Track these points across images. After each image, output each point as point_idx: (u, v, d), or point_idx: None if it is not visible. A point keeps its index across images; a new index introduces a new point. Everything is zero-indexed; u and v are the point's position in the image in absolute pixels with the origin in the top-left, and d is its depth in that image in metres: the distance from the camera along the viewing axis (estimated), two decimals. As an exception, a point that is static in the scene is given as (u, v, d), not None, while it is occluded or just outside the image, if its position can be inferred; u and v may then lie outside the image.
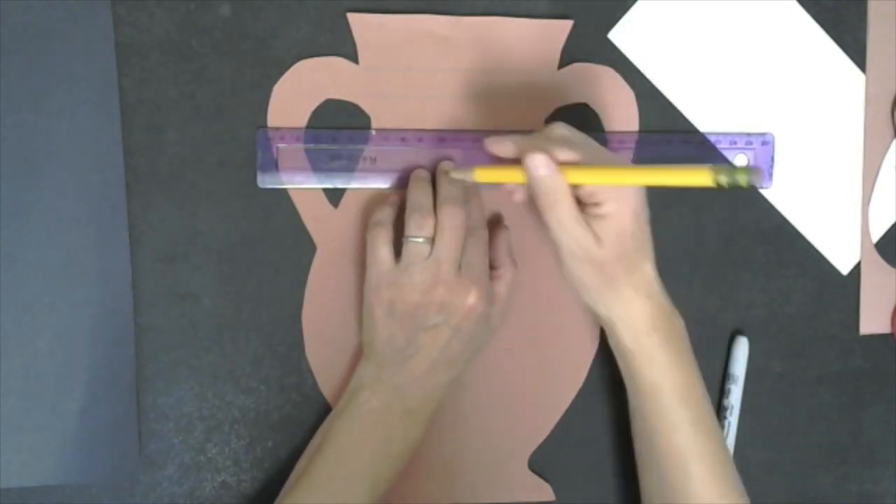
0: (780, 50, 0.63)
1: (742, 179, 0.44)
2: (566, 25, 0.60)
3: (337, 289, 0.60)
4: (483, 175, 0.56)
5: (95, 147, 0.57)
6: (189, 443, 0.60)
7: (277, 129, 0.59)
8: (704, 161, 0.62)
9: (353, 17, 0.59)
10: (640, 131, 0.62)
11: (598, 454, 0.64)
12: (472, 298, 0.55)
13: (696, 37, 0.62)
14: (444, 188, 0.57)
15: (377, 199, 0.60)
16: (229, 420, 0.60)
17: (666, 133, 0.62)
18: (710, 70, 0.63)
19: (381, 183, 0.60)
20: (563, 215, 0.52)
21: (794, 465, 0.66)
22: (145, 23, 0.57)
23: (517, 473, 0.63)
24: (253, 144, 0.59)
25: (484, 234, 0.57)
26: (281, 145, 0.59)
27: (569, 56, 0.61)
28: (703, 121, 0.63)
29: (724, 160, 0.63)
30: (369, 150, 0.59)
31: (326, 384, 0.60)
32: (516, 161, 0.53)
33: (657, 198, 0.63)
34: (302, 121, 0.59)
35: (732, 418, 0.64)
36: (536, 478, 0.63)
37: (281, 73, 0.58)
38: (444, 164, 0.59)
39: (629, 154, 0.62)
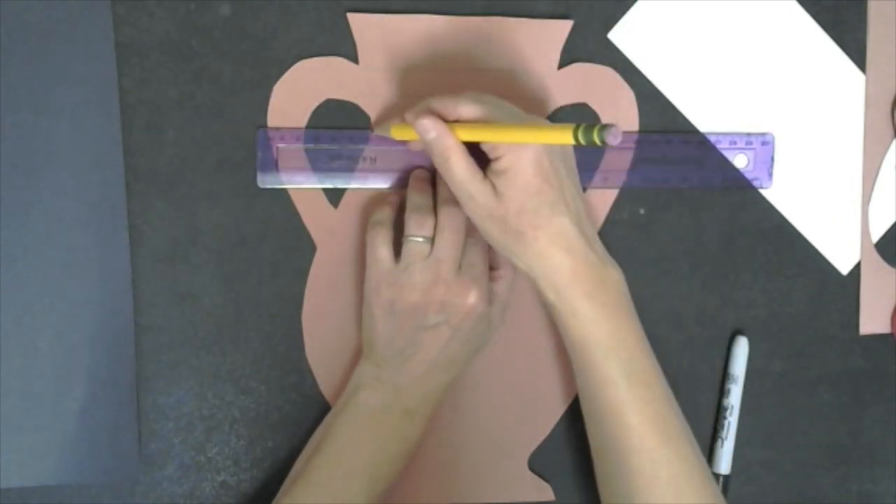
0: (780, 50, 0.63)
1: (597, 138, 0.44)
2: (566, 25, 0.60)
3: (337, 289, 0.60)
4: (399, 132, 0.56)
5: (95, 147, 0.57)
6: (189, 443, 0.60)
7: (277, 129, 0.59)
8: (705, 162, 0.62)
9: (353, 17, 0.59)
10: (640, 131, 0.62)
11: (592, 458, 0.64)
12: (472, 298, 0.55)
13: (696, 37, 0.62)
14: (445, 188, 0.57)
15: (377, 199, 0.60)
16: (229, 420, 0.60)
17: (666, 133, 0.62)
18: (710, 70, 0.63)
19: (381, 183, 0.60)
20: (456, 171, 0.52)
21: (794, 465, 0.66)
22: (145, 23, 0.57)
23: (517, 473, 0.63)
24: (253, 144, 0.59)
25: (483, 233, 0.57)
26: (281, 145, 0.59)
27: (569, 56, 0.61)
28: (703, 121, 0.63)
29: (724, 160, 0.63)
30: (369, 150, 0.59)
31: (326, 384, 0.60)
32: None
33: (657, 197, 0.63)
34: (302, 121, 0.59)
35: (732, 418, 0.64)
36: (536, 478, 0.63)
37: (281, 73, 0.58)
38: None
39: (629, 154, 0.62)
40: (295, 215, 0.59)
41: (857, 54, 0.64)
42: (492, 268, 0.58)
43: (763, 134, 0.63)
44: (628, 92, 0.61)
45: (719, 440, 0.64)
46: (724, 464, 0.64)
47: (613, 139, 0.44)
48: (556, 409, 0.63)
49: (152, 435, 0.59)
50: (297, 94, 0.59)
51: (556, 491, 0.63)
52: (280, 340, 0.60)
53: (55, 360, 0.58)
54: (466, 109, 0.52)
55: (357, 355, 0.59)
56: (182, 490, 0.60)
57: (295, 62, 0.59)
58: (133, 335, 0.58)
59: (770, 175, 0.63)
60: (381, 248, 0.56)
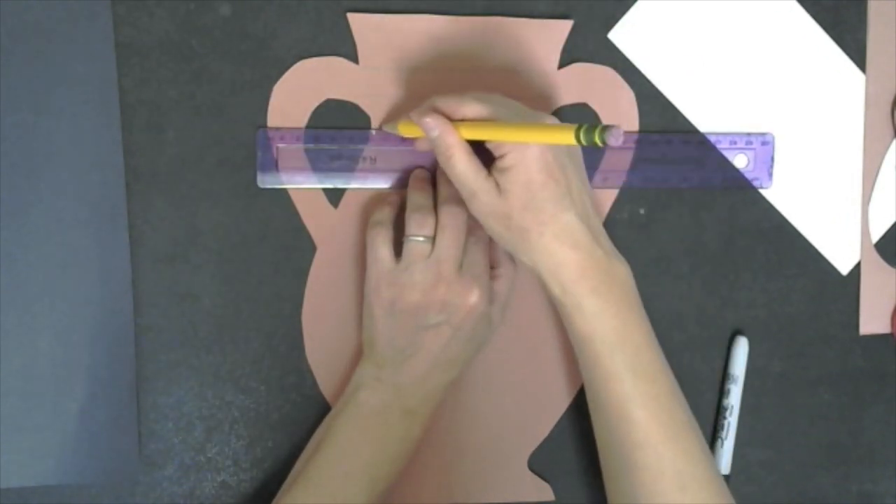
0: (780, 50, 0.63)
1: (598, 139, 0.44)
2: (566, 25, 0.60)
3: (337, 289, 0.60)
4: (406, 129, 0.56)
5: (95, 147, 0.57)
6: (189, 443, 0.60)
7: (277, 129, 0.59)
8: (705, 162, 0.62)
9: (353, 17, 0.59)
10: (640, 131, 0.62)
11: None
12: (473, 298, 0.55)
13: (696, 37, 0.62)
14: (445, 188, 0.57)
15: (377, 198, 0.60)
16: (229, 420, 0.60)
17: (666, 133, 0.62)
18: (710, 70, 0.63)
19: (381, 183, 0.60)
20: (459, 169, 0.53)
21: (794, 465, 0.66)
22: (145, 23, 0.57)
23: (517, 473, 0.63)
24: (253, 144, 0.59)
25: (484, 233, 0.57)
26: (281, 145, 0.59)
27: (569, 56, 0.61)
28: (703, 121, 0.63)
29: (724, 160, 0.63)
30: (369, 150, 0.59)
31: (326, 384, 0.60)
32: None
33: (657, 197, 0.63)
34: (302, 121, 0.59)
35: (732, 418, 0.64)
36: (536, 478, 0.63)
37: (281, 73, 0.58)
38: None
39: (629, 154, 0.62)
40: (295, 215, 0.59)
41: (857, 54, 0.64)
42: (492, 266, 0.58)
43: (763, 134, 0.63)
44: (628, 92, 0.61)
45: (719, 440, 0.64)
46: (724, 464, 0.64)
47: (615, 140, 0.44)
48: (556, 409, 0.63)
49: (152, 435, 0.59)
50: (297, 94, 0.59)
51: (556, 491, 0.63)
52: (280, 340, 0.60)
53: (55, 360, 0.58)
54: (470, 108, 0.53)
55: (357, 355, 0.59)
56: (182, 490, 0.60)
57: (295, 62, 0.59)
58: (133, 335, 0.58)
59: (770, 175, 0.63)
60: (381, 248, 0.56)
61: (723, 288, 0.64)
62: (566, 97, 0.61)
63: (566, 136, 0.46)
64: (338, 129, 0.59)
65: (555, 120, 0.54)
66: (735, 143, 0.63)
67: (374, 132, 0.59)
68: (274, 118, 0.59)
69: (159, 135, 0.58)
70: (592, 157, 0.61)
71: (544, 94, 0.61)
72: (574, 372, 0.63)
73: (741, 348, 0.64)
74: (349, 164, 0.59)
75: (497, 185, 0.52)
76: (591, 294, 0.53)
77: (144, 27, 0.57)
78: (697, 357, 0.64)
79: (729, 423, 0.64)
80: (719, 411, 0.64)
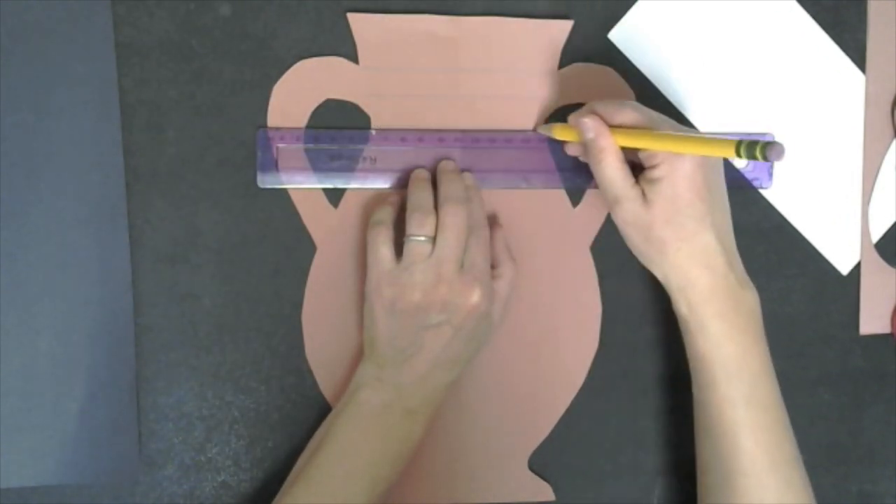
0: (780, 50, 0.63)
1: (760, 154, 0.45)
2: (566, 25, 0.60)
3: (337, 289, 0.60)
4: (561, 132, 0.58)
5: (95, 147, 0.57)
6: (189, 443, 0.60)
7: (278, 129, 0.59)
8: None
9: (353, 17, 0.59)
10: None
11: (598, 454, 0.64)
12: (474, 297, 0.55)
13: (696, 37, 0.62)
14: (446, 186, 0.57)
15: (377, 198, 0.60)
16: (229, 420, 0.60)
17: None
18: (710, 70, 0.63)
19: (381, 183, 0.60)
20: (607, 173, 0.54)
21: (794, 465, 0.66)
22: (145, 23, 0.57)
23: (517, 473, 0.63)
24: (253, 144, 0.59)
25: (485, 232, 0.57)
26: (281, 145, 0.59)
27: (569, 56, 0.61)
28: (703, 121, 0.63)
29: (724, 160, 0.63)
30: (369, 150, 0.59)
31: (326, 384, 0.60)
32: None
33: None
34: (302, 121, 0.59)
35: (733, 418, 0.64)
36: (536, 478, 0.63)
37: (281, 73, 0.58)
38: (445, 164, 0.59)
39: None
40: (295, 215, 0.59)
41: (857, 54, 0.64)
42: (492, 266, 0.58)
43: (763, 134, 0.63)
44: (628, 92, 0.61)
45: (719, 440, 0.64)
46: (725, 464, 0.64)
47: (776, 157, 0.45)
48: (556, 410, 0.63)
49: (152, 435, 0.59)
50: (297, 94, 0.59)
51: (556, 491, 0.63)
52: (280, 340, 0.60)
53: (55, 360, 0.58)
54: (628, 115, 0.53)
55: (357, 355, 0.59)
56: (182, 490, 0.60)
57: (295, 62, 0.59)
58: (133, 335, 0.58)
59: (770, 175, 0.63)
60: (382, 248, 0.56)
61: (723, 288, 0.64)
62: (566, 97, 0.61)
63: (727, 150, 0.47)
64: (338, 129, 0.59)
65: (707, 135, 0.54)
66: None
67: (373, 132, 0.59)
68: (274, 118, 0.59)
69: (159, 135, 0.58)
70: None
71: (544, 94, 0.61)
72: (574, 372, 0.63)
73: (741, 348, 0.64)
74: (349, 164, 0.59)
75: (643, 194, 0.53)
76: (716, 317, 0.54)
77: (144, 27, 0.57)
78: (697, 357, 0.64)
79: (729, 424, 0.64)
80: (719, 411, 0.64)
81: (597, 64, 0.61)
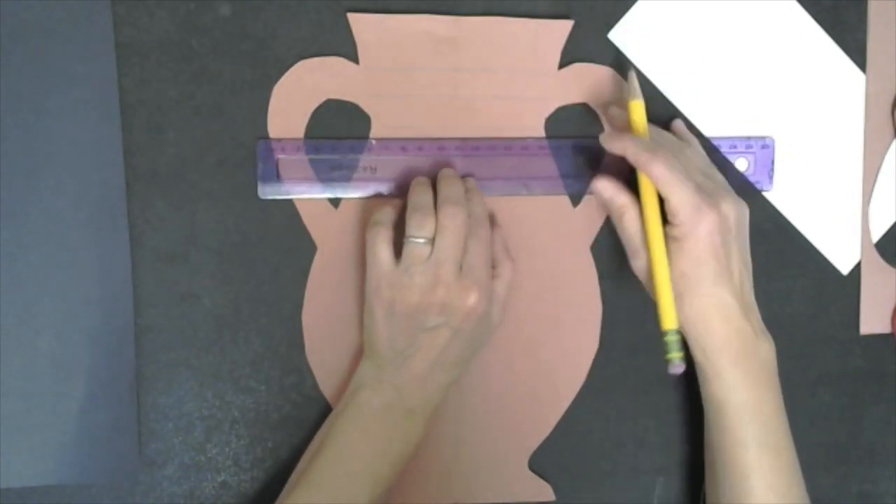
0: (780, 50, 0.63)
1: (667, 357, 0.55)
2: (566, 25, 0.60)
3: (337, 289, 0.60)
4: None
5: (95, 147, 0.57)
6: (189, 443, 0.60)
7: (278, 139, 0.58)
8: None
9: (353, 17, 0.59)
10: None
11: (599, 454, 0.64)
12: (472, 299, 0.55)
13: (696, 37, 0.62)
14: (445, 188, 0.57)
15: (377, 200, 0.60)
16: (229, 420, 0.60)
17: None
18: (710, 70, 0.63)
19: (382, 191, 0.60)
20: (627, 227, 0.57)
21: (794, 465, 0.66)
22: (145, 23, 0.57)
23: (517, 474, 0.63)
24: (253, 144, 0.59)
25: (485, 233, 0.57)
26: (282, 156, 0.59)
27: (569, 56, 0.61)
28: (704, 120, 0.63)
29: (725, 163, 0.63)
30: (369, 159, 0.59)
31: (326, 384, 0.60)
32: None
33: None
34: (302, 122, 0.59)
35: (733, 419, 0.64)
36: (537, 478, 0.63)
37: (281, 73, 0.58)
38: (446, 170, 0.59)
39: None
40: (295, 215, 0.59)
41: (857, 54, 0.64)
42: (492, 266, 0.58)
43: (763, 137, 0.63)
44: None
45: (719, 440, 0.64)
46: (725, 464, 0.64)
47: (673, 371, 0.55)
48: (556, 409, 0.63)
49: (152, 435, 0.59)
50: (297, 94, 0.59)
51: (556, 491, 0.63)
52: (280, 340, 0.60)
53: (55, 360, 0.58)
54: (657, 169, 0.54)
55: (357, 355, 0.59)
56: (182, 490, 0.60)
57: (295, 62, 0.59)
58: (133, 335, 0.58)
59: (770, 178, 0.63)
60: (381, 249, 0.56)
61: (723, 288, 0.64)
62: (566, 97, 0.61)
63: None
64: (338, 139, 0.59)
65: (723, 195, 0.56)
66: (735, 146, 0.63)
67: (374, 142, 0.59)
68: (274, 119, 0.59)
69: (159, 135, 0.58)
70: (591, 159, 0.61)
71: (545, 95, 0.61)
72: (574, 372, 0.63)
73: (741, 348, 0.64)
74: (349, 174, 0.59)
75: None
76: (730, 365, 0.56)
77: (144, 27, 0.57)
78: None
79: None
80: (719, 411, 0.64)
81: (597, 64, 0.61)
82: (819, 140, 0.64)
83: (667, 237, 0.56)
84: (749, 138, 0.63)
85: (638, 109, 0.57)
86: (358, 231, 0.60)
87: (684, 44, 0.62)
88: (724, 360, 0.56)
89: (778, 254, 0.64)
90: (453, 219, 0.55)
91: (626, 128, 0.59)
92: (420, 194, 0.57)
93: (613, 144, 0.57)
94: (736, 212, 0.56)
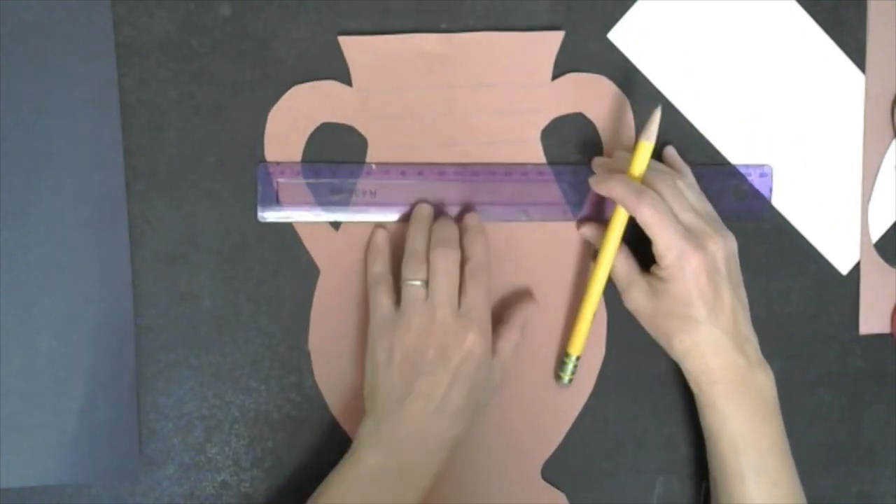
0: (780, 50, 0.63)
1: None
2: (557, 37, 0.60)
3: (342, 311, 0.60)
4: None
5: (95, 147, 0.57)
6: (189, 443, 0.60)
7: (278, 163, 0.58)
8: (707, 178, 0.62)
9: (344, 40, 0.58)
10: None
11: (599, 454, 0.64)
12: (469, 339, 0.55)
13: (696, 37, 0.62)
14: (437, 230, 0.57)
15: (377, 225, 0.60)
16: (229, 420, 0.60)
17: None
18: (710, 70, 0.63)
19: (382, 216, 0.60)
20: (616, 267, 0.58)
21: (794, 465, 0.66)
22: (145, 23, 0.57)
23: (530, 483, 0.62)
24: (253, 144, 0.59)
25: (485, 275, 0.56)
26: (281, 180, 0.59)
27: (569, 55, 0.61)
28: (704, 120, 0.63)
29: (727, 184, 0.63)
30: (369, 183, 0.59)
31: (337, 406, 0.60)
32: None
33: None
34: (299, 146, 0.59)
35: (733, 419, 0.64)
36: (551, 488, 0.62)
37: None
38: (442, 218, 0.59)
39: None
40: (295, 215, 0.59)
41: (857, 54, 0.64)
42: (501, 321, 0.59)
43: (761, 165, 0.63)
44: (623, 99, 0.61)
45: (719, 440, 0.64)
46: (724, 464, 0.64)
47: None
48: (567, 417, 0.63)
49: (152, 435, 0.59)
50: (292, 119, 0.59)
51: (570, 500, 0.63)
52: (280, 340, 0.60)
53: (55, 360, 0.58)
54: (645, 212, 0.55)
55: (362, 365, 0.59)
56: (182, 490, 0.60)
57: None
58: (133, 335, 0.58)
59: (769, 196, 0.64)
60: (382, 299, 0.57)
61: (723, 288, 0.64)
62: (561, 108, 0.61)
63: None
64: (337, 163, 0.59)
65: (709, 234, 0.56)
66: (733, 175, 0.63)
67: (373, 166, 0.59)
68: (271, 144, 0.58)
69: (159, 135, 0.58)
70: (590, 157, 0.61)
71: (539, 106, 0.61)
72: (583, 380, 0.63)
73: (741, 349, 0.64)
74: (349, 198, 0.59)
75: (650, 286, 0.57)
76: (724, 397, 0.56)
77: (144, 27, 0.57)
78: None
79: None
80: (719, 411, 0.64)
81: (590, 73, 0.61)
82: (819, 140, 0.64)
83: (654, 278, 0.57)
84: (748, 166, 0.63)
85: (646, 150, 0.56)
86: (360, 252, 0.60)
87: (684, 44, 0.62)
88: (717, 392, 0.56)
89: (778, 254, 0.64)
90: (444, 261, 0.55)
91: (621, 149, 0.60)
92: (416, 236, 0.57)
93: (601, 187, 0.57)
94: (724, 250, 0.56)
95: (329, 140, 0.59)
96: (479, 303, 0.56)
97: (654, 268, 0.57)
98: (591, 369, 0.63)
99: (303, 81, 0.59)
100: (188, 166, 0.58)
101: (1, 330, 0.57)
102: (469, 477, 0.61)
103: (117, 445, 0.58)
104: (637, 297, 0.58)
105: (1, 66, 0.56)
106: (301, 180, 0.59)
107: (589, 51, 0.61)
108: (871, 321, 0.66)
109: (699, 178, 0.61)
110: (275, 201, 0.59)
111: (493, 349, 0.57)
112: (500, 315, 0.60)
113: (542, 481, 0.62)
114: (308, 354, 0.60)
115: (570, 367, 0.60)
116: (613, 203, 0.57)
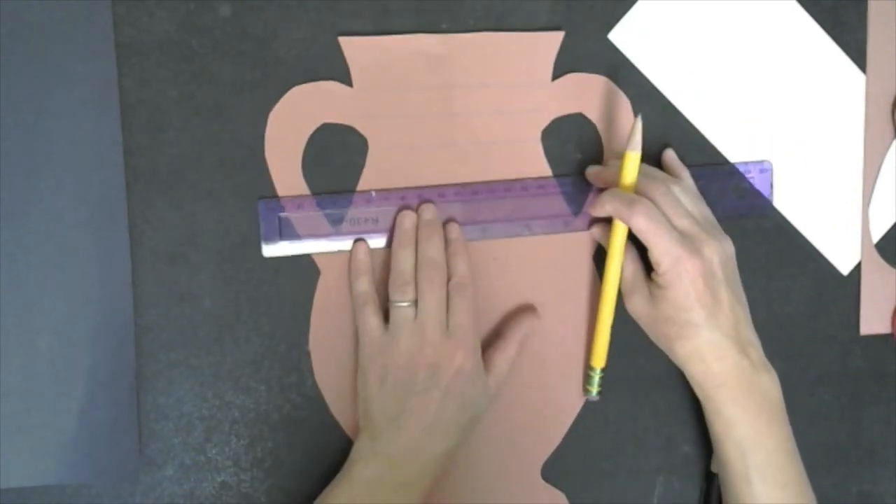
0: (780, 50, 0.63)
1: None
2: (557, 37, 0.60)
3: (342, 313, 0.60)
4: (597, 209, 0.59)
5: (95, 147, 0.57)
6: (189, 443, 0.60)
7: (278, 198, 0.58)
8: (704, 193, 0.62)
9: (344, 41, 0.58)
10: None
11: (599, 454, 0.64)
12: (459, 358, 0.55)
13: (696, 37, 0.62)
14: (422, 247, 0.57)
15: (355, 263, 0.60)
16: (229, 420, 0.60)
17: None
18: (711, 70, 0.63)
19: (383, 242, 0.60)
20: (622, 274, 0.59)
21: (794, 465, 0.66)
22: (145, 23, 0.57)
23: (530, 483, 0.62)
24: (253, 144, 0.59)
25: (469, 291, 0.57)
26: (283, 214, 0.59)
27: (570, 55, 0.61)
28: (704, 120, 0.63)
29: (728, 182, 0.63)
30: (370, 211, 0.59)
31: (338, 407, 0.60)
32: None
33: (657, 198, 0.62)
34: (299, 147, 0.59)
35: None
36: (551, 488, 0.63)
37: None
38: (425, 209, 0.59)
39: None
40: (295, 215, 0.59)
41: (857, 54, 0.64)
42: (501, 335, 0.59)
43: (760, 162, 0.63)
44: (624, 99, 0.61)
45: (719, 440, 0.64)
46: (724, 464, 0.64)
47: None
48: (567, 417, 0.63)
49: (152, 435, 0.59)
50: (293, 120, 0.58)
51: (570, 500, 0.63)
52: (280, 340, 0.60)
53: (55, 360, 0.58)
54: (638, 221, 0.55)
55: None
56: (182, 490, 0.60)
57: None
58: (133, 335, 0.58)
59: (770, 198, 0.64)
60: (370, 319, 0.57)
61: (723, 288, 0.64)
62: (561, 108, 0.61)
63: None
64: (339, 193, 0.59)
65: (705, 239, 0.56)
66: (733, 174, 0.63)
67: (374, 194, 0.59)
68: (271, 145, 0.58)
69: (159, 135, 0.58)
70: (590, 194, 0.61)
71: (540, 106, 0.61)
72: (582, 381, 0.63)
73: (741, 349, 0.64)
74: (350, 227, 0.59)
75: (650, 292, 0.57)
76: (728, 402, 0.57)
77: (144, 27, 0.57)
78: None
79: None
80: (719, 411, 0.64)
81: (591, 73, 0.61)
82: (819, 140, 0.64)
83: (653, 284, 0.57)
84: (747, 163, 0.63)
85: (633, 160, 0.57)
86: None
87: (684, 44, 0.62)
88: (722, 397, 0.56)
89: (778, 254, 0.64)
90: (430, 282, 0.56)
91: (622, 150, 0.59)
92: (402, 257, 0.57)
93: (596, 210, 0.58)
94: (720, 254, 0.56)
95: (329, 140, 0.59)
96: (465, 319, 0.56)
97: (652, 274, 0.57)
98: None
99: (303, 82, 0.59)
100: (188, 166, 0.58)
101: (1, 330, 0.57)
102: (469, 477, 0.61)
103: (117, 445, 0.58)
104: (638, 303, 0.58)
105: (1, 66, 0.56)
106: (302, 213, 0.59)
107: (589, 51, 0.61)
108: (872, 321, 0.66)
109: (699, 178, 0.61)
110: (277, 236, 0.59)
111: (489, 363, 0.58)
112: (501, 328, 0.60)
113: (542, 481, 0.62)
114: (308, 354, 0.60)
115: (595, 379, 0.61)
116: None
